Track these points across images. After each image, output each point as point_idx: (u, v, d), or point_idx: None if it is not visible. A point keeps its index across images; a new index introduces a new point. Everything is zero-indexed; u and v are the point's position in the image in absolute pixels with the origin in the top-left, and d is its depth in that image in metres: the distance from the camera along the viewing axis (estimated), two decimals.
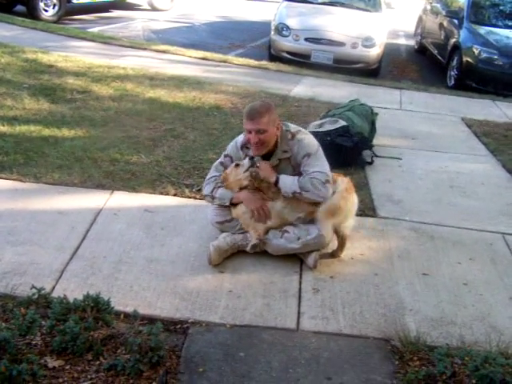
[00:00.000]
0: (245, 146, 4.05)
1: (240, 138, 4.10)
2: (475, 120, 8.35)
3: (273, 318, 3.43)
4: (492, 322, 3.57)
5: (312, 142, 3.98)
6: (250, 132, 3.83)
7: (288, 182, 3.87)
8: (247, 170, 3.93)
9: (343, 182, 4.03)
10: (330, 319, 3.46)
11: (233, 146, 4.15)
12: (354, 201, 4.06)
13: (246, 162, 3.95)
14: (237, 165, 3.99)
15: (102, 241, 4.05)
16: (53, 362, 2.81)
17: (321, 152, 3.97)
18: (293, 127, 4.05)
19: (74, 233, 4.11)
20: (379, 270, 4.04)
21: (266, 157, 3.98)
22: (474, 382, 2.77)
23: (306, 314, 3.49)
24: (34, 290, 3.17)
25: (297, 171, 3.97)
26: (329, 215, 3.88)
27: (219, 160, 4.20)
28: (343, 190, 3.94)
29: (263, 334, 3.27)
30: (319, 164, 3.89)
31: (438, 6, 13.94)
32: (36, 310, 3.03)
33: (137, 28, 14.53)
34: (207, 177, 4.19)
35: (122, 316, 3.23)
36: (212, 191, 4.06)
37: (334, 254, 4.12)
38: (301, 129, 4.10)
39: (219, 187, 4.05)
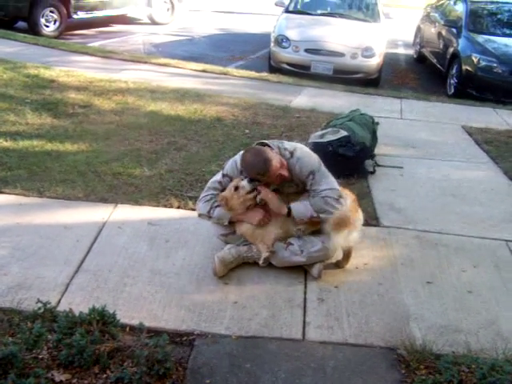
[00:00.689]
0: None
1: (238, 160, 3.97)
2: (476, 128, 8.36)
3: (278, 328, 3.44)
4: (498, 329, 3.57)
5: (312, 159, 3.93)
6: (270, 180, 3.85)
7: (301, 210, 3.86)
8: (249, 193, 3.89)
9: (349, 195, 4.06)
10: (335, 329, 3.47)
11: (232, 166, 4.01)
12: (359, 213, 4.09)
13: (246, 184, 3.88)
14: (236, 188, 3.90)
15: (107, 254, 4.06)
16: (60, 376, 2.81)
17: (323, 167, 3.93)
18: (288, 145, 3.99)
19: (78, 246, 4.12)
20: (383, 278, 4.05)
21: None
22: None
23: (312, 324, 3.50)
24: (40, 304, 3.18)
25: (300, 188, 3.97)
26: (337, 227, 3.90)
27: (217, 178, 4.07)
28: (350, 203, 3.97)
29: (269, 345, 3.28)
30: (327, 181, 3.87)
31: (437, 15, 14.01)
32: (42, 324, 3.03)
33: (137, 42, 14.60)
34: (202, 194, 4.10)
35: (127, 329, 3.24)
36: (209, 211, 3.99)
37: (338, 265, 4.13)
38: (297, 145, 4.04)
39: (216, 206, 3.98)
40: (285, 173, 3.82)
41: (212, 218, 4.03)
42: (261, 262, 3.94)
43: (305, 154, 3.94)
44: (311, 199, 3.86)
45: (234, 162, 4.01)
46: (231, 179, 3.99)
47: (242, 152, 3.98)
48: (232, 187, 3.91)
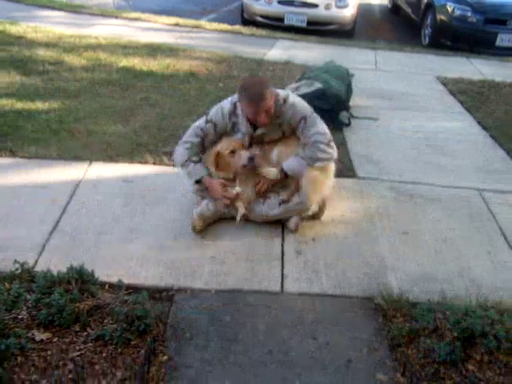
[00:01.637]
0: (233, 114, 3.95)
1: (226, 106, 3.96)
2: (450, 78, 8.38)
3: (257, 281, 3.47)
4: (471, 276, 3.65)
5: (305, 105, 3.96)
6: (255, 113, 3.77)
7: (295, 166, 3.87)
8: (245, 166, 3.88)
9: None
10: (313, 280, 3.51)
11: (218, 112, 3.97)
12: (332, 168, 4.10)
13: (245, 159, 3.85)
14: (232, 152, 3.88)
15: (83, 213, 4.03)
16: (40, 335, 2.82)
17: (315, 114, 3.95)
18: (281, 92, 3.99)
19: (54, 206, 4.08)
20: (360, 230, 4.09)
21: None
22: (455, 334, 2.84)
23: (290, 277, 3.53)
24: (17, 265, 3.17)
25: (287, 135, 3.98)
26: (315, 185, 3.93)
27: (199, 124, 4.00)
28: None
29: (248, 298, 3.31)
30: (317, 126, 3.89)
31: None
32: (20, 285, 3.02)
33: None
34: (183, 139, 4.02)
35: (106, 286, 3.24)
36: (186, 160, 3.93)
37: (315, 217, 4.15)
38: (289, 92, 4.06)
39: (195, 162, 3.94)
40: (272, 110, 3.81)
41: (184, 168, 3.96)
42: (238, 219, 3.94)
43: (298, 100, 3.97)
44: (302, 152, 3.87)
45: (221, 107, 3.98)
46: (215, 126, 3.95)
47: (230, 97, 4.00)
48: (229, 149, 3.88)
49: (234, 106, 3.92)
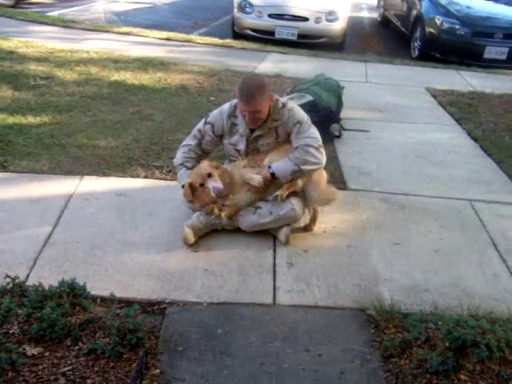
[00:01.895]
0: (232, 115, 4.04)
1: (226, 107, 4.09)
2: (440, 90, 8.45)
3: (249, 293, 3.47)
4: (463, 287, 3.66)
5: (302, 112, 4.04)
6: (245, 111, 3.86)
7: (282, 167, 3.90)
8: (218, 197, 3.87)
9: None
10: (305, 292, 3.51)
11: (217, 113, 4.11)
12: (323, 173, 4.14)
13: (213, 191, 3.82)
14: (201, 184, 3.84)
15: (75, 226, 4.02)
16: (32, 350, 2.80)
17: (310, 121, 4.02)
18: (282, 98, 4.11)
19: (45, 220, 4.07)
20: (352, 241, 4.10)
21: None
22: (447, 345, 2.84)
23: (282, 289, 3.53)
24: (8, 279, 3.15)
25: (280, 140, 4.02)
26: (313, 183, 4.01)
27: (198, 126, 4.15)
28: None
29: (240, 311, 3.31)
30: (311, 131, 3.95)
31: None
32: (11, 299, 3.01)
33: (98, 10, 14.29)
34: (183, 142, 4.20)
35: (98, 300, 3.23)
36: (180, 164, 4.09)
37: (307, 228, 4.17)
38: (289, 100, 4.18)
39: (188, 168, 4.03)
40: (266, 109, 3.89)
41: (178, 172, 4.12)
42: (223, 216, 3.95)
43: (296, 107, 4.08)
44: (291, 155, 3.90)
45: (220, 110, 4.13)
46: (213, 126, 4.07)
47: (229, 101, 4.13)
48: (198, 182, 3.85)
49: (235, 107, 4.03)
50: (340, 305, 3.43)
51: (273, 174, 3.91)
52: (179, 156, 4.12)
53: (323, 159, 3.95)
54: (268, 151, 4.04)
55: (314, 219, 4.17)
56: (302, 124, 3.94)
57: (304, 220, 4.14)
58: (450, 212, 4.62)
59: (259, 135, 4.02)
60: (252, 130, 4.02)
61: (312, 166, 3.90)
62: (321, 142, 3.97)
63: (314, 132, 3.97)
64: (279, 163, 3.92)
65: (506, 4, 12.11)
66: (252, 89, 3.81)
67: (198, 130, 4.12)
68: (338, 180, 4.96)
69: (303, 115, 4.01)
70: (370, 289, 3.58)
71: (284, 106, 3.98)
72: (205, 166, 3.92)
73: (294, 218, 4.02)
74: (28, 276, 3.45)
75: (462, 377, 2.79)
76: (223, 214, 3.95)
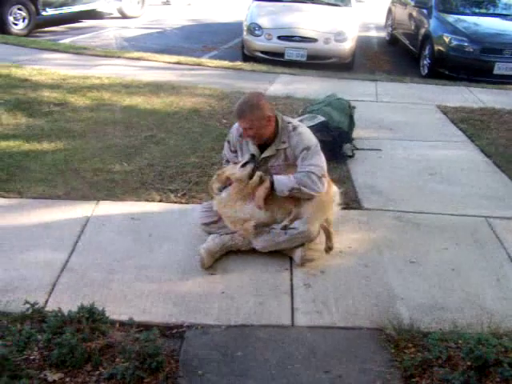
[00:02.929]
0: (242, 133, 4.10)
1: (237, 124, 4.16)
2: (451, 107, 8.46)
3: (267, 315, 3.46)
4: (482, 304, 3.64)
5: (312, 137, 4.05)
6: (239, 128, 4.00)
7: (284, 181, 3.91)
8: (244, 165, 3.99)
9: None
10: (323, 313, 3.50)
11: (233, 130, 4.23)
12: (333, 187, 4.18)
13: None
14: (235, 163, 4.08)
15: (91, 251, 4.05)
16: (52, 376, 2.81)
17: (319, 148, 4.02)
18: (293, 120, 4.15)
19: (62, 245, 4.10)
20: (368, 261, 4.09)
21: (265, 146, 4.04)
22: (469, 364, 2.82)
23: (300, 310, 3.53)
24: (28, 305, 3.17)
25: (289, 162, 4.03)
26: (318, 211, 3.95)
27: (224, 149, 4.36)
28: (326, 186, 4.00)
29: (259, 333, 3.30)
30: (316, 159, 3.95)
31: None
32: (31, 325, 3.03)
33: (109, 36, 14.46)
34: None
35: (117, 325, 3.24)
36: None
37: (326, 249, 4.15)
38: (300, 123, 4.20)
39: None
40: (268, 130, 3.95)
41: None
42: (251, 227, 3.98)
43: (307, 131, 4.09)
44: (295, 174, 3.91)
45: (235, 125, 4.19)
46: (229, 143, 4.26)
47: None
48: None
49: None
50: (358, 325, 3.41)
51: (272, 184, 3.93)
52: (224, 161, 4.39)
53: (322, 189, 3.93)
54: (278, 173, 4.04)
55: (328, 238, 4.16)
56: (309, 150, 3.94)
57: (320, 240, 4.14)
58: (465, 229, 4.60)
59: (268, 156, 4.05)
60: (261, 151, 4.05)
61: (309, 191, 3.89)
62: (325, 171, 3.98)
63: (320, 160, 3.98)
64: (281, 176, 3.94)
65: None
66: (243, 106, 3.89)
67: (224, 154, 4.35)
68: (351, 199, 4.97)
69: (311, 141, 4.01)
70: (387, 308, 3.57)
71: (295, 129, 4.00)
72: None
73: (309, 238, 4.01)
74: (47, 301, 3.47)
75: None
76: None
